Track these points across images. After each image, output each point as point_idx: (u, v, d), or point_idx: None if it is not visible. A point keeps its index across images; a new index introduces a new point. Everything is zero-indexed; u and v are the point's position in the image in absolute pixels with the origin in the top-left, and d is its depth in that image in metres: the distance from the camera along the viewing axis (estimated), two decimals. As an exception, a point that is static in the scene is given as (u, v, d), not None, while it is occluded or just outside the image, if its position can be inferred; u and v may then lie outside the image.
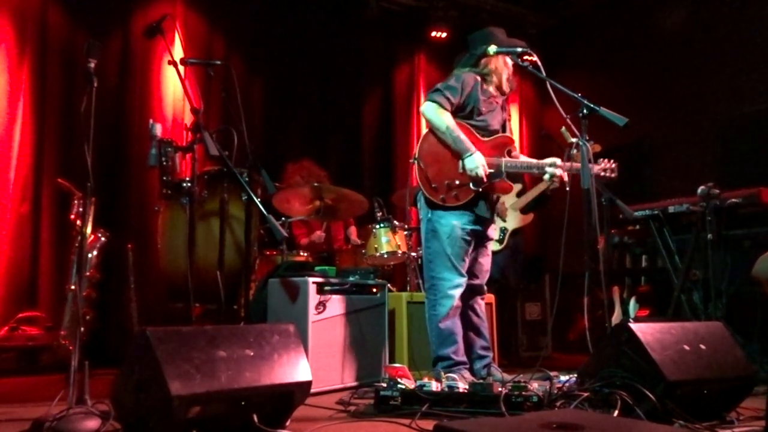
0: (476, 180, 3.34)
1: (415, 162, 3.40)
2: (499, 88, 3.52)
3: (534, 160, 3.50)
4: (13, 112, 4.67)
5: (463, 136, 3.34)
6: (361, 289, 3.68)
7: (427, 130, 3.46)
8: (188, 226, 3.19)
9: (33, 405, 2.93)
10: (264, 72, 5.91)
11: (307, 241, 5.00)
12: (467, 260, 3.42)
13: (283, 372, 2.22)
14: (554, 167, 3.43)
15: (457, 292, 3.34)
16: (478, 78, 3.46)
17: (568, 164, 3.43)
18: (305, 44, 6.10)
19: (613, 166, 3.49)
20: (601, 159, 3.52)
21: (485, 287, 3.60)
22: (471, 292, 3.47)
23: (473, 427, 1.82)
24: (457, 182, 3.36)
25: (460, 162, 3.34)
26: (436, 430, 1.76)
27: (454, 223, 3.35)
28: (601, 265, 3.02)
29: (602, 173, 3.48)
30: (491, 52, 3.46)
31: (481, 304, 3.57)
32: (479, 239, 3.49)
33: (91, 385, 2.41)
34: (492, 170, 3.36)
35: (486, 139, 3.45)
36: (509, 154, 3.47)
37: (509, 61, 3.51)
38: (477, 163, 3.31)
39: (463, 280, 3.37)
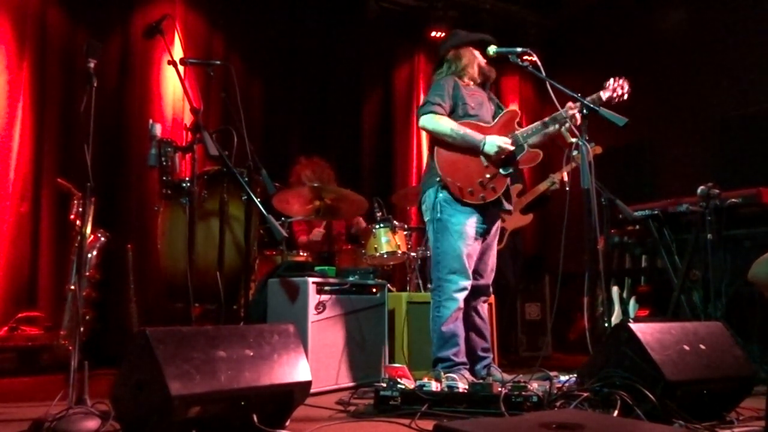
0: (504, 161, 3.35)
1: (441, 179, 3.36)
2: (474, 80, 3.55)
3: (546, 119, 3.39)
4: (13, 112, 4.66)
5: (469, 130, 3.37)
6: (360, 289, 3.68)
7: (437, 144, 3.43)
8: (188, 226, 3.19)
9: (33, 405, 2.93)
10: (264, 72, 5.91)
11: (307, 239, 4.99)
12: (475, 258, 3.42)
13: (282, 372, 2.21)
14: (567, 110, 3.27)
15: (462, 296, 3.33)
16: (456, 79, 3.50)
17: (578, 104, 3.16)
18: (305, 44, 6.09)
19: (622, 83, 3.26)
20: (610, 81, 3.26)
21: (490, 288, 3.59)
22: (475, 293, 3.46)
23: (473, 427, 1.82)
24: (488, 176, 3.35)
25: (481, 156, 3.35)
26: (436, 430, 1.76)
27: (465, 221, 3.35)
28: (601, 265, 3.02)
29: (615, 94, 3.24)
30: (491, 53, 3.48)
31: (484, 306, 3.56)
32: (486, 237, 3.49)
33: (91, 385, 2.41)
34: (513, 147, 3.36)
35: (491, 125, 3.45)
36: (519, 126, 3.48)
37: (476, 53, 3.54)
38: (496, 142, 3.32)
39: (469, 283, 3.36)
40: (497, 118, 3.49)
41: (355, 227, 5.06)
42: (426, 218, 3.49)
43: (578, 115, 3.20)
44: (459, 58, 3.55)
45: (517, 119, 3.51)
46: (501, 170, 3.37)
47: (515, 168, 3.42)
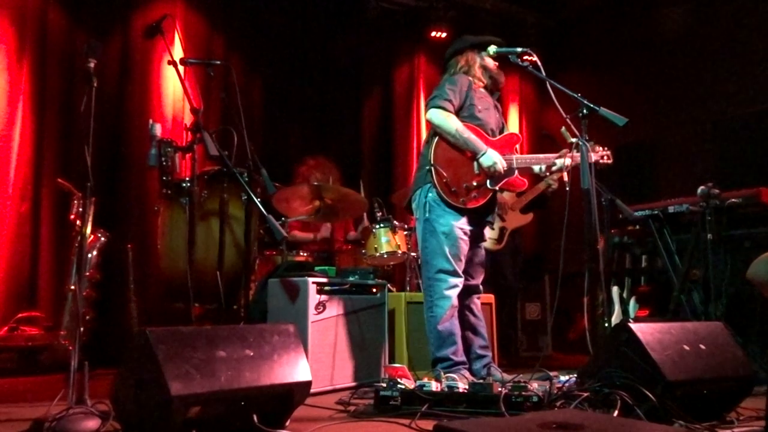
0: (494, 177, 3.38)
1: (432, 168, 3.37)
2: (485, 84, 3.60)
3: (542, 155, 3.53)
4: (13, 112, 4.66)
5: (473, 136, 3.39)
6: (360, 289, 3.67)
7: (437, 136, 3.43)
8: (188, 226, 3.19)
9: (33, 405, 2.93)
10: (264, 72, 5.91)
11: (301, 234, 4.98)
12: (464, 260, 3.42)
13: (282, 372, 2.21)
14: (563, 158, 3.43)
15: (454, 293, 3.34)
16: (470, 79, 3.53)
17: (576, 155, 3.24)
18: (305, 44, 6.10)
19: (608, 152, 3.49)
20: (596, 146, 3.47)
21: (481, 287, 3.61)
22: (467, 292, 3.47)
23: (473, 427, 1.82)
24: (475, 183, 3.38)
25: (475, 163, 3.37)
26: (436, 430, 1.76)
27: (453, 222, 3.36)
28: (601, 265, 3.02)
29: (600, 160, 3.45)
30: (491, 53, 3.49)
31: (477, 303, 3.58)
32: (475, 240, 3.50)
33: (91, 385, 2.40)
34: (506, 169, 3.40)
35: (494, 138, 3.49)
36: (517, 151, 3.53)
37: (479, 57, 3.58)
38: (494, 159, 3.35)
39: (460, 281, 3.37)
40: (500, 135, 3.54)
41: (359, 229, 5.06)
42: (416, 217, 3.50)
43: (564, 177, 3.50)
44: (458, 62, 3.60)
45: (517, 145, 3.58)
46: (489, 183, 3.39)
47: (500, 188, 3.47)
